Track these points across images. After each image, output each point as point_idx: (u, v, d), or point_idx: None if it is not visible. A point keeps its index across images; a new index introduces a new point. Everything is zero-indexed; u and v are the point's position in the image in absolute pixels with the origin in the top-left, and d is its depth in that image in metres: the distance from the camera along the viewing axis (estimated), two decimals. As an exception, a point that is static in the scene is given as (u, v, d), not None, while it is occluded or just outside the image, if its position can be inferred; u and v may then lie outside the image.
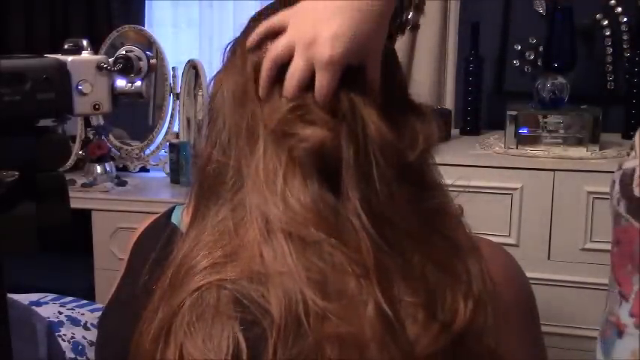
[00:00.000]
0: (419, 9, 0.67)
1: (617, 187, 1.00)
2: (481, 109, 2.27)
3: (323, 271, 0.63)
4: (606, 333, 1.00)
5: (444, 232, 0.69)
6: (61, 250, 1.89)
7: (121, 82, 0.69)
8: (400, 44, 2.28)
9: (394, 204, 0.67)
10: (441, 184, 0.74)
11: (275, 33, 0.72)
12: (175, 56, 2.70)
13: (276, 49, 0.70)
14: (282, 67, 0.70)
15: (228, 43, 0.79)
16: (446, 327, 0.62)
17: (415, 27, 0.70)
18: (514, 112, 1.99)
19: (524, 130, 1.99)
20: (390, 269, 0.64)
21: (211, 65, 2.63)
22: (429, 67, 2.33)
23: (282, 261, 0.63)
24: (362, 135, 0.68)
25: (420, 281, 0.64)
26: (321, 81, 0.68)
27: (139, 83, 0.69)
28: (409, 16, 0.69)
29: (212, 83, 0.78)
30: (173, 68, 2.64)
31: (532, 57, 2.27)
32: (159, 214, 0.85)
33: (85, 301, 1.60)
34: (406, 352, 0.61)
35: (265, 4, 0.82)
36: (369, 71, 0.70)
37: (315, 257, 0.63)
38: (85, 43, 0.67)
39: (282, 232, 0.65)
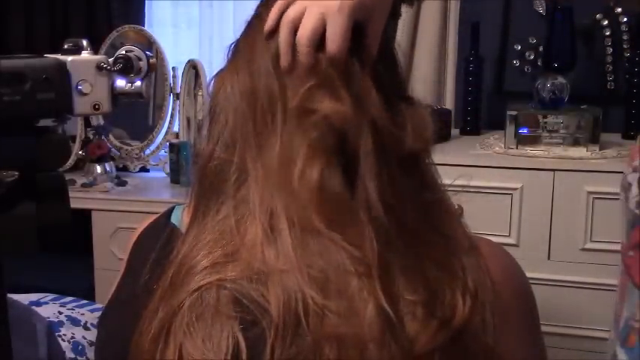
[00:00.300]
0: None
1: (634, 189, 0.98)
2: (481, 109, 2.27)
3: (324, 269, 0.63)
4: (631, 339, 0.98)
5: (442, 229, 0.69)
6: (61, 250, 1.89)
7: (120, 82, 0.68)
8: (400, 44, 2.28)
9: (399, 198, 0.67)
10: (439, 183, 0.74)
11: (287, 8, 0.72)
12: (175, 56, 2.70)
13: (288, 15, 0.71)
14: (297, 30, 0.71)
15: (232, 43, 0.79)
16: (444, 324, 0.63)
17: None
18: (514, 112, 1.99)
19: (524, 130, 1.99)
20: (392, 266, 0.64)
21: (211, 65, 2.63)
22: (429, 67, 2.33)
23: (283, 259, 0.64)
24: (371, 120, 0.68)
25: (419, 278, 0.64)
26: (333, 29, 0.68)
27: (138, 83, 0.69)
28: None
29: (214, 81, 0.77)
30: (173, 68, 2.64)
31: (532, 57, 2.27)
32: (158, 214, 0.85)
33: (85, 301, 1.60)
34: (406, 350, 0.61)
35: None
36: (369, 33, 0.71)
37: (318, 254, 0.63)
38: (84, 43, 0.67)
39: (287, 225, 0.65)
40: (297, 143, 0.67)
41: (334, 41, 0.69)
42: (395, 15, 0.73)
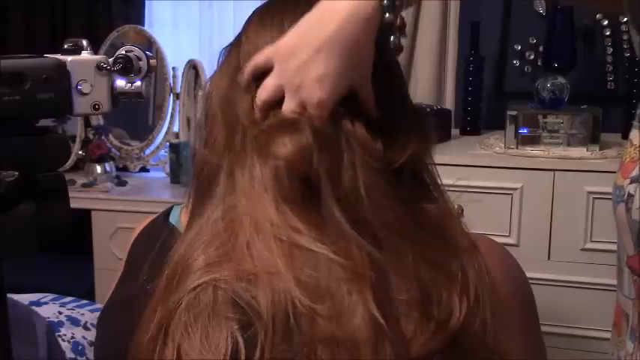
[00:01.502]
0: (401, 32, 0.68)
1: (637, 201, 0.97)
2: (481, 109, 2.27)
3: (313, 275, 0.63)
4: None
5: (439, 231, 0.69)
6: (61, 250, 1.88)
7: (120, 82, 0.68)
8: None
9: (383, 207, 0.67)
10: (437, 183, 0.74)
11: (262, 72, 0.72)
12: (175, 56, 2.70)
13: (266, 91, 0.71)
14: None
15: (225, 46, 0.79)
16: (441, 326, 0.63)
17: (398, 50, 0.70)
18: (514, 112, 1.99)
19: (524, 130, 1.99)
20: (385, 271, 0.64)
21: (211, 65, 2.63)
22: (429, 67, 2.33)
23: (272, 263, 0.64)
24: (344, 146, 0.68)
25: (414, 281, 0.64)
26: (315, 116, 0.68)
27: (138, 83, 0.69)
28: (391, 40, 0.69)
29: (208, 84, 0.78)
30: (173, 68, 2.64)
31: (532, 57, 2.27)
32: (157, 215, 0.85)
33: (85, 301, 1.60)
34: (401, 352, 0.61)
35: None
36: (361, 95, 0.70)
37: (306, 262, 0.64)
38: (84, 43, 0.67)
39: (272, 236, 0.65)
40: (262, 168, 0.68)
41: (318, 124, 0.68)
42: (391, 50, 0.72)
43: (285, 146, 0.67)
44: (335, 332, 0.61)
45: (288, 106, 0.70)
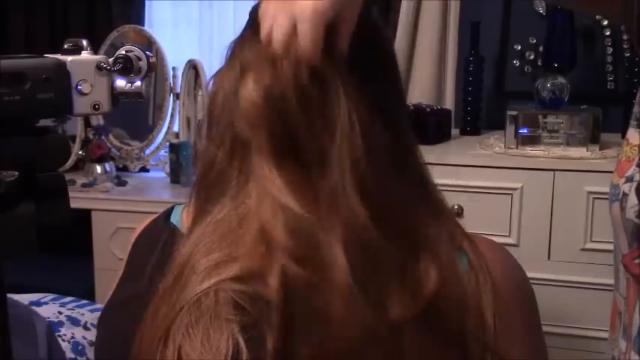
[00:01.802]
0: None
1: (632, 199, 0.97)
2: (481, 109, 2.27)
3: (308, 246, 0.64)
4: None
5: (416, 204, 0.71)
6: (61, 250, 1.88)
7: (120, 82, 0.68)
8: (400, 44, 2.28)
9: (377, 178, 0.68)
10: (427, 177, 0.76)
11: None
12: (175, 56, 2.70)
13: (265, 27, 0.70)
14: None
15: (231, 42, 0.79)
16: (416, 292, 0.64)
17: None
18: (514, 112, 1.99)
19: (524, 130, 1.99)
20: (371, 240, 0.65)
21: (211, 65, 2.63)
22: (429, 67, 2.33)
23: (283, 252, 0.64)
24: (337, 87, 0.68)
25: (391, 251, 0.65)
26: (305, 35, 0.66)
27: (138, 83, 0.69)
28: None
29: (212, 82, 0.78)
30: (173, 68, 2.64)
31: (532, 57, 2.27)
32: (157, 215, 0.85)
33: (85, 301, 1.60)
34: (377, 320, 0.62)
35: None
36: (339, 37, 0.68)
37: (303, 233, 0.64)
38: (84, 43, 0.67)
39: (281, 221, 0.65)
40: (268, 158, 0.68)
41: (308, 46, 0.66)
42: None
43: (252, 85, 0.68)
44: (321, 303, 0.62)
45: (280, 26, 0.67)
